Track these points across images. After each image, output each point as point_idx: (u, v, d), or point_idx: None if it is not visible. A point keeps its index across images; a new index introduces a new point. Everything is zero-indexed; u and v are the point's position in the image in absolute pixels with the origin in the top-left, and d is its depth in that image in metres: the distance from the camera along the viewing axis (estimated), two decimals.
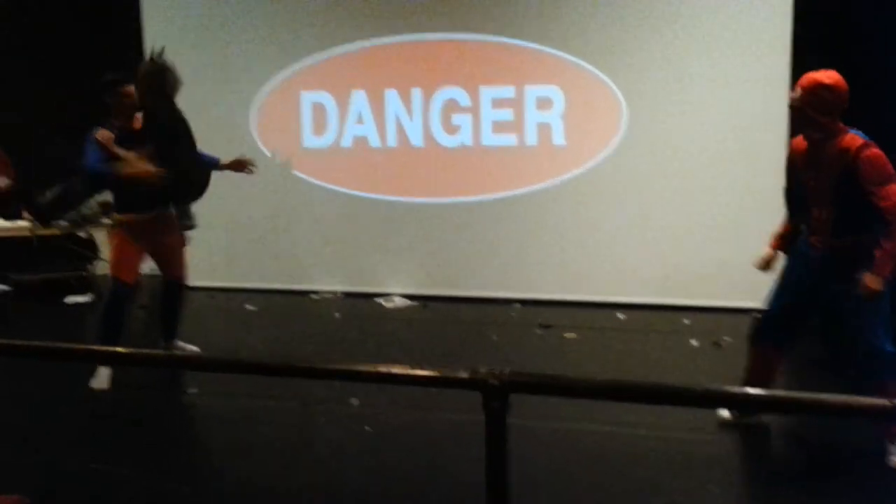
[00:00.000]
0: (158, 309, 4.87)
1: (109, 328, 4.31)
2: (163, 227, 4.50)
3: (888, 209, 2.98)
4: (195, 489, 3.09)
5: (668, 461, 3.28)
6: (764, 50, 5.81)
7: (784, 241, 3.57)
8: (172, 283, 4.70)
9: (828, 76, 3.13)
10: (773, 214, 5.90)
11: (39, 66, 7.38)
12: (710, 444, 3.45)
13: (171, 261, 4.64)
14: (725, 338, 5.19)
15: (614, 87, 6.19)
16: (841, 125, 3.16)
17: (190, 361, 2.89)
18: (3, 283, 6.79)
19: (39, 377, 4.38)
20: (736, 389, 1.53)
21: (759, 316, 3.64)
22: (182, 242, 4.81)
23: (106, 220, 4.42)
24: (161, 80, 4.16)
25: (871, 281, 3.03)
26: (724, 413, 3.63)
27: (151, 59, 4.23)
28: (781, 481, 3.20)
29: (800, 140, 3.35)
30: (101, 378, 4.34)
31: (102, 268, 6.81)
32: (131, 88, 4.28)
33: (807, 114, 3.15)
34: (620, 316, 5.93)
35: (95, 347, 3.90)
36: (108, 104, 4.33)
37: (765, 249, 3.62)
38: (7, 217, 6.77)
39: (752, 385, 3.47)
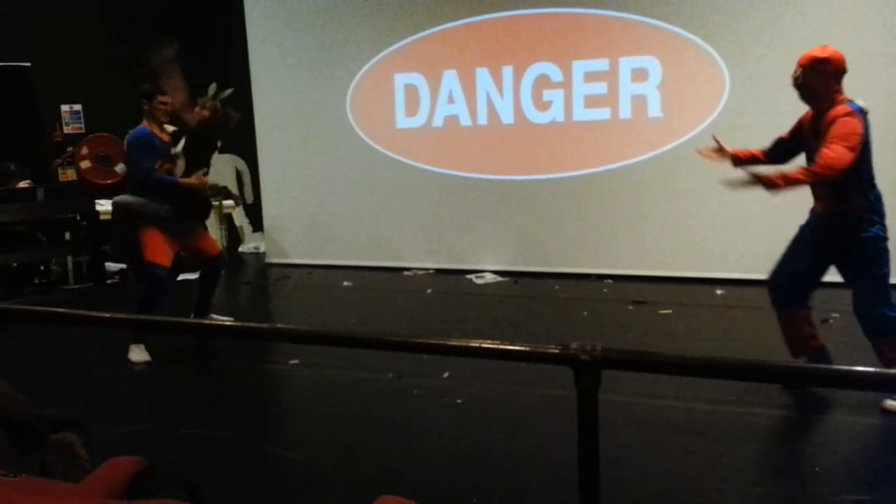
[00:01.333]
0: (197, 286, 5.10)
1: (150, 307, 4.55)
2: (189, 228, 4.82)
3: (827, 157, 3.24)
4: (295, 454, 3.25)
5: (768, 440, 3.18)
6: (879, 21, 5.43)
7: (743, 159, 3.83)
8: (209, 266, 5.00)
9: (822, 50, 3.44)
10: (882, 188, 5.60)
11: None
12: (814, 424, 3.32)
13: (203, 248, 4.94)
14: (833, 314, 4.94)
15: (716, 55, 5.95)
16: (840, 96, 3.42)
17: (291, 335, 3.02)
18: (122, 262, 7.28)
19: (148, 347, 4.70)
20: (840, 367, 1.47)
21: (771, 286, 3.83)
22: (203, 229, 5.04)
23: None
24: (226, 122, 4.74)
25: (775, 177, 3.38)
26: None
27: (223, 99, 4.72)
28: (887, 465, 3.04)
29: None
30: (136, 352, 4.59)
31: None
32: (167, 98, 4.65)
33: (809, 89, 3.46)
34: (719, 292, 5.75)
35: (199, 321, 4.16)
36: (144, 109, 4.67)
37: (729, 147, 3.84)
38: None
39: (796, 351, 3.70)
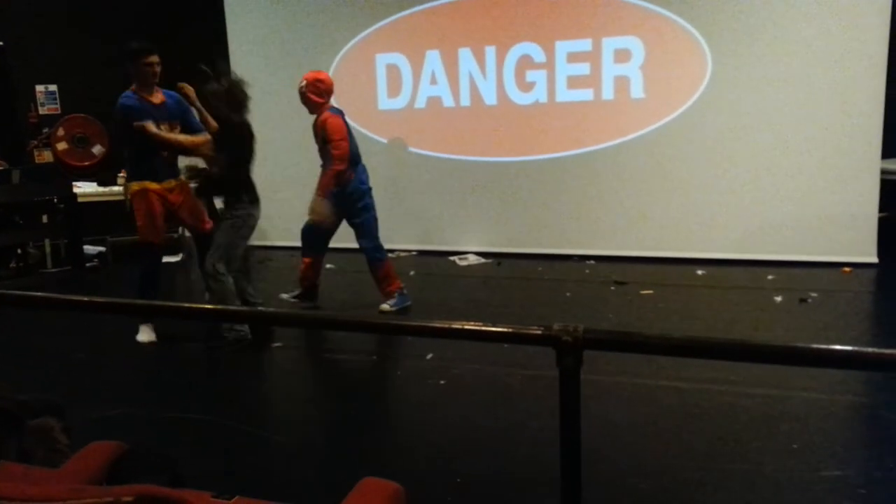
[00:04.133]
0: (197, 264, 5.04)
1: (148, 287, 4.56)
2: (177, 192, 4.66)
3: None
4: (278, 436, 3.25)
5: (748, 418, 3.23)
6: (861, 3, 5.46)
7: None
8: (200, 238, 4.87)
9: (320, 74, 4.96)
10: (863, 167, 5.67)
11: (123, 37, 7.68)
12: (790, 402, 3.37)
13: (193, 218, 4.81)
14: (812, 293, 5.01)
15: (698, 36, 5.95)
16: (327, 105, 4.87)
17: (273, 318, 3.02)
18: (101, 244, 7.20)
19: (127, 331, 4.67)
20: (818, 346, 1.49)
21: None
22: (195, 201, 4.87)
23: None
24: (242, 96, 4.50)
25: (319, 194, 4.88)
26: None
27: (229, 77, 4.56)
28: (863, 441, 3.10)
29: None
30: (144, 333, 4.58)
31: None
32: (155, 57, 4.41)
33: (306, 97, 4.86)
34: (699, 272, 5.80)
35: (180, 304, 4.11)
36: (131, 72, 4.45)
37: None
38: (102, 183, 7.15)
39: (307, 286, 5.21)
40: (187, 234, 7.19)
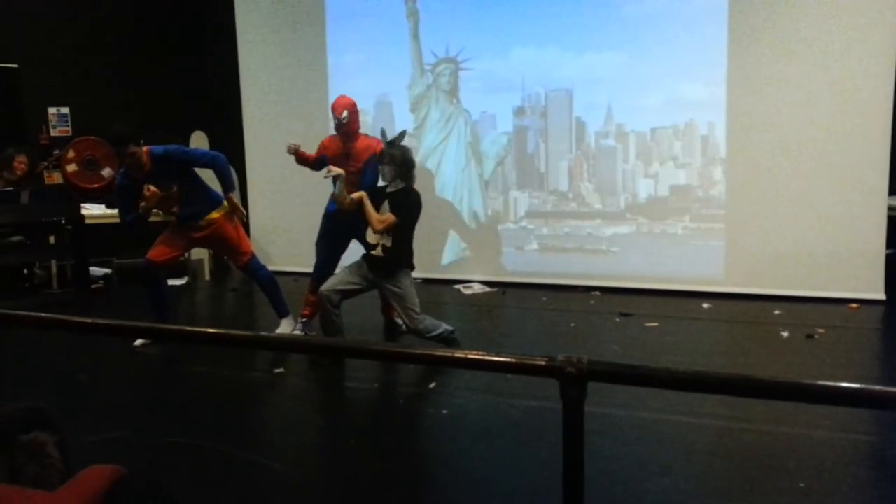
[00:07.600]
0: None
1: (151, 300, 4.98)
2: (206, 229, 4.97)
3: None
4: (278, 463, 3.21)
5: (753, 456, 3.18)
6: (869, 29, 5.49)
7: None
8: (243, 270, 5.21)
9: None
10: (870, 203, 5.65)
11: (145, 72, 7.80)
12: (797, 440, 3.32)
13: (227, 253, 5.25)
14: (819, 329, 4.97)
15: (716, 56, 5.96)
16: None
17: (275, 343, 3.00)
18: (107, 266, 7.21)
19: (124, 354, 4.66)
20: (825, 383, 1.47)
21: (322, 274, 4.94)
22: (227, 235, 5.03)
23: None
24: (412, 162, 4.58)
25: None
26: None
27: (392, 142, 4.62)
28: (871, 481, 3.05)
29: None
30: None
31: (196, 253, 7.13)
32: (130, 147, 4.65)
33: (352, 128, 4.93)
34: (705, 305, 5.77)
35: (182, 328, 4.11)
36: (124, 161, 4.80)
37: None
38: (110, 205, 7.18)
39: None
40: (193, 257, 7.23)
